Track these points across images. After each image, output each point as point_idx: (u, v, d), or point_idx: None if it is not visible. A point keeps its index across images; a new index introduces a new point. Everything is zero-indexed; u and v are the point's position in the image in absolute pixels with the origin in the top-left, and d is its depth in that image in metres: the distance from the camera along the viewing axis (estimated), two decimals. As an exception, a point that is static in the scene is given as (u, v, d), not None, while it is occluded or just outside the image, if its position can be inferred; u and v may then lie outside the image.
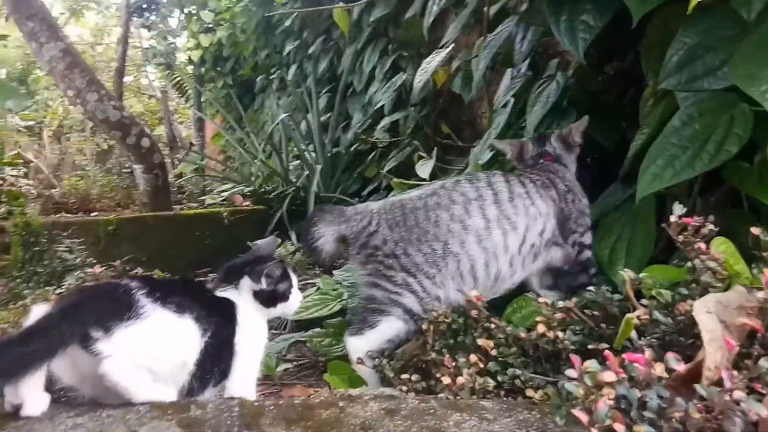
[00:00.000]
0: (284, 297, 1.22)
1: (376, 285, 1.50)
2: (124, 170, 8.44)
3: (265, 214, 4.00)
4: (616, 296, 1.18)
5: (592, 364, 0.81)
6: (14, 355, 0.85)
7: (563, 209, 1.61)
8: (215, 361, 1.06)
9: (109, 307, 0.95)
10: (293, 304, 1.25)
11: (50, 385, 0.95)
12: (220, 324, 1.09)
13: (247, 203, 4.38)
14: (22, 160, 5.48)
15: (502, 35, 1.99)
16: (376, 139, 4.22)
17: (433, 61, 2.29)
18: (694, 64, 1.46)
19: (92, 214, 4.64)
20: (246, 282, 1.21)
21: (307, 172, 4.32)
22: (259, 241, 1.39)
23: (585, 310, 1.20)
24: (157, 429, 0.85)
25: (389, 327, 1.46)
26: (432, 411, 0.92)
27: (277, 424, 0.87)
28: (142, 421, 0.87)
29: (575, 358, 0.83)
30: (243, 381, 1.13)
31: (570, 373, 0.81)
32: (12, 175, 4.81)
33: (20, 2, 3.76)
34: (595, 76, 1.98)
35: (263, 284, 1.19)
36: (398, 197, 1.64)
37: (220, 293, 1.20)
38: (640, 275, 1.15)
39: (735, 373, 0.76)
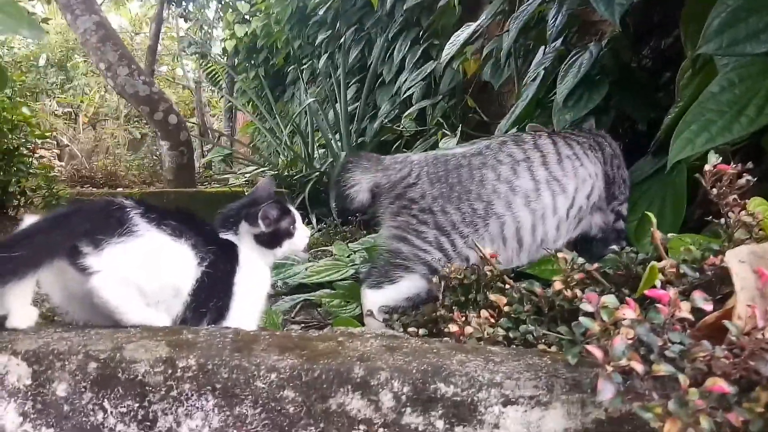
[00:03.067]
0: (289, 234, 1.17)
1: (403, 239, 1.43)
2: (154, 157, 8.55)
3: (288, 196, 3.98)
4: (641, 256, 1.11)
5: (609, 299, 0.75)
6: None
7: (608, 173, 1.53)
8: (211, 294, 1.02)
9: (100, 222, 0.91)
10: (299, 241, 1.20)
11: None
12: (219, 258, 1.04)
13: (270, 186, 4.37)
14: (52, 134, 5.55)
15: (533, 5, 1.92)
16: (403, 128, 4.18)
17: (462, 34, 2.23)
18: (736, 27, 1.37)
19: (117, 189, 4.67)
20: (244, 227, 1.16)
21: (331, 159, 4.29)
22: (258, 184, 1.32)
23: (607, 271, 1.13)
24: (145, 347, 0.81)
25: (410, 284, 1.39)
26: (435, 351, 0.86)
27: (271, 351, 0.82)
28: (131, 339, 0.83)
29: (592, 294, 0.76)
30: (241, 324, 1.07)
31: (585, 306, 0.75)
32: (44, 149, 4.85)
33: (58, -26, 3.82)
34: (630, 48, 1.90)
35: (262, 227, 1.14)
36: (441, 152, 1.56)
37: (222, 236, 1.16)
38: (668, 235, 1.08)
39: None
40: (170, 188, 4.03)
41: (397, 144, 4.24)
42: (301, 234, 1.20)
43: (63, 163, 7.50)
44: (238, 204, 1.20)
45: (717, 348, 0.70)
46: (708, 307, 0.73)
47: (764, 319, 0.68)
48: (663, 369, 0.68)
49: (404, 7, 4.19)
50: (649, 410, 0.66)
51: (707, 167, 0.97)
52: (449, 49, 2.27)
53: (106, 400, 0.78)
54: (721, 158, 0.99)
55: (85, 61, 11.13)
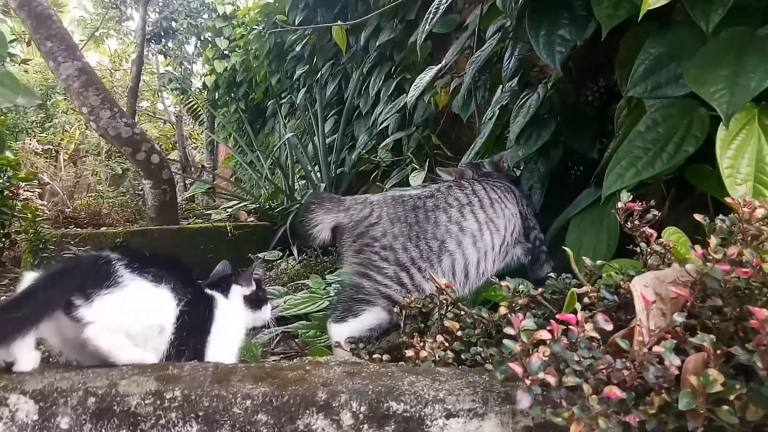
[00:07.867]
0: (266, 300, 1.36)
1: (365, 275, 1.57)
2: (137, 192, 8.63)
3: (269, 229, 4.11)
4: (575, 281, 1.25)
5: (528, 323, 0.89)
6: (6, 321, 0.94)
7: (521, 211, 1.75)
8: (189, 333, 1.15)
9: (90, 277, 1.03)
10: (268, 311, 1.39)
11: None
12: (196, 301, 1.18)
13: (252, 219, 4.49)
14: (35, 176, 5.64)
15: (487, 50, 2.10)
16: (380, 159, 4.34)
17: (426, 77, 2.40)
18: (658, 73, 1.55)
19: (101, 229, 4.76)
20: (236, 289, 1.34)
21: (311, 191, 4.44)
22: (217, 267, 1.48)
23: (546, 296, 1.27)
24: (136, 382, 0.93)
25: (373, 316, 1.53)
26: (390, 374, 0.99)
27: (246, 381, 0.95)
28: (124, 376, 0.96)
29: (515, 318, 0.90)
30: (220, 359, 1.20)
31: (508, 330, 0.89)
32: (27, 191, 4.94)
33: (40, 24, 3.96)
34: (573, 89, 2.08)
35: (253, 286, 1.32)
36: (397, 193, 1.72)
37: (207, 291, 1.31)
38: (597, 262, 1.23)
39: (653, 325, 0.83)
40: (153, 226, 4.14)
41: (375, 174, 4.41)
42: (269, 306, 1.40)
43: (45, 202, 7.57)
44: (218, 277, 1.39)
45: (618, 361, 0.85)
46: (608, 327, 0.87)
47: (649, 335, 0.82)
48: (571, 380, 0.82)
49: (377, 43, 4.39)
50: (558, 415, 0.80)
51: (619, 204, 1.12)
52: (414, 91, 2.44)
53: (103, 430, 0.90)
54: (631, 196, 1.14)
55: (65, 99, 11.24)
